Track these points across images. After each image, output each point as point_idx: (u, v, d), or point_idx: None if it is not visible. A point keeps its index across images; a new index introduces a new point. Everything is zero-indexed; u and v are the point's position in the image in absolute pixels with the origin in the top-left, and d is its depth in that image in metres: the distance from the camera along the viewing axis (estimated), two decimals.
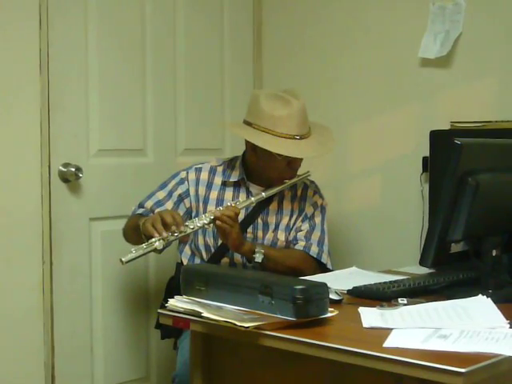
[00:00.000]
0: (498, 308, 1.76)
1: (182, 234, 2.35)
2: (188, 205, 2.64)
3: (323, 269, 2.61)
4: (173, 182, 2.67)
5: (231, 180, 2.65)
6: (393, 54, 3.09)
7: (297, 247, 2.62)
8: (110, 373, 2.98)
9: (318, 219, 2.67)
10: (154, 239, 2.30)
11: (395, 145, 3.10)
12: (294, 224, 2.66)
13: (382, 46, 3.13)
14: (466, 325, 1.65)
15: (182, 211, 2.61)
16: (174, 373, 2.47)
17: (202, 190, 2.65)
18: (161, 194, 2.64)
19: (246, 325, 1.68)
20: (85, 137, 2.88)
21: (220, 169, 2.68)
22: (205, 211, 2.59)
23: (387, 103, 3.12)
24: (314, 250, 2.61)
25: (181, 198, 2.64)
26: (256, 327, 1.68)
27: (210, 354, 1.93)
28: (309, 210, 2.68)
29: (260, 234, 2.62)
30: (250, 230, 2.61)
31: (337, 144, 2.75)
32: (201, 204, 2.63)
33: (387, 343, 1.55)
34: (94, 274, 2.92)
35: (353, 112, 3.23)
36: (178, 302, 1.90)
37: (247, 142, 2.61)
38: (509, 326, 1.64)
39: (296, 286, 1.71)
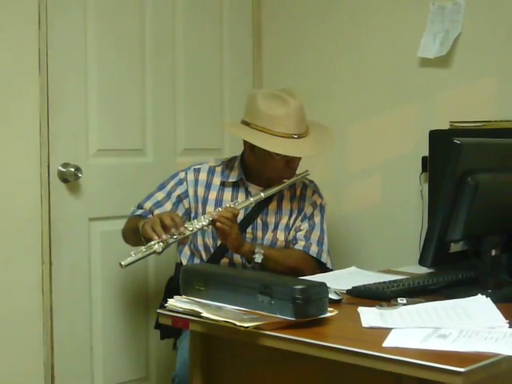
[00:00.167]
0: (498, 308, 1.76)
1: (181, 237, 2.35)
2: (187, 205, 2.64)
3: (323, 268, 2.61)
4: (171, 183, 2.67)
5: (230, 180, 2.65)
6: (392, 54, 3.09)
7: (296, 247, 2.62)
8: (109, 373, 2.98)
9: (317, 219, 2.67)
10: (153, 242, 2.30)
11: (394, 144, 3.10)
12: (294, 224, 2.66)
13: (382, 45, 3.13)
14: (465, 324, 1.65)
15: (180, 212, 2.61)
16: (174, 373, 2.46)
17: (200, 191, 2.65)
18: (160, 195, 2.64)
19: (246, 325, 1.68)
20: (84, 137, 2.88)
21: (219, 169, 2.68)
22: (204, 212, 2.59)
23: (386, 103, 3.12)
24: (313, 250, 2.61)
25: (180, 199, 2.64)
26: (255, 327, 1.68)
27: (210, 354, 1.93)
28: (308, 209, 2.68)
29: (259, 234, 2.62)
30: (249, 230, 2.61)
31: (336, 144, 2.75)
32: (200, 205, 2.63)
33: (386, 343, 1.55)
34: (93, 274, 2.92)
35: (352, 112, 3.23)
36: (177, 302, 1.89)
37: (245, 142, 2.61)
38: (508, 325, 1.64)
39: (295, 285, 1.71)
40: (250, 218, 2.61)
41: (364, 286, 2.09)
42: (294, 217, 2.67)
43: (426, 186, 2.88)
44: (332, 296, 1.90)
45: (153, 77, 3.10)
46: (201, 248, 2.62)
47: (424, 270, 2.24)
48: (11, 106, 2.67)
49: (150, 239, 2.32)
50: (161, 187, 2.67)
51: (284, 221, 2.65)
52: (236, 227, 2.44)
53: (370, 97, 3.17)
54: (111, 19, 2.95)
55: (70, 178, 2.81)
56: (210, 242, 2.60)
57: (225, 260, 2.60)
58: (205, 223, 2.40)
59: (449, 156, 1.93)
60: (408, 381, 1.48)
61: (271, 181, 2.59)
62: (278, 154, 2.51)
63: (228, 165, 2.69)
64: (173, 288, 2.53)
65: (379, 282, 2.11)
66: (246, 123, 2.58)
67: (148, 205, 2.63)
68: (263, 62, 3.53)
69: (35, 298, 2.74)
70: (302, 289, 1.70)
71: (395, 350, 1.50)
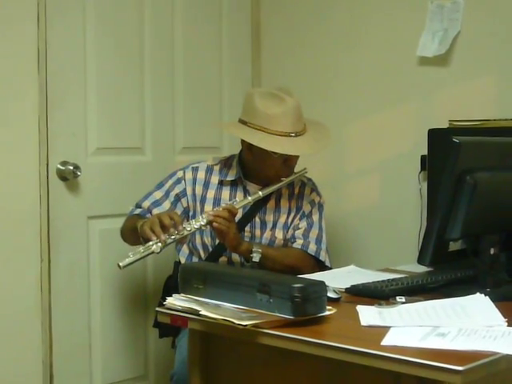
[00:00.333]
0: (496, 306, 1.76)
1: (180, 236, 2.35)
2: (185, 204, 2.64)
3: (322, 266, 2.61)
4: (170, 182, 2.67)
5: (228, 179, 2.64)
6: (391, 53, 3.09)
7: (295, 245, 2.62)
8: (108, 371, 2.98)
9: (315, 217, 2.67)
10: (151, 242, 2.30)
11: (393, 143, 3.10)
12: (292, 222, 2.66)
13: (380, 44, 3.12)
14: (463, 323, 1.65)
15: (179, 211, 2.61)
16: (172, 371, 2.46)
17: (199, 190, 2.65)
18: (158, 194, 2.64)
19: (244, 323, 1.68)
20: (83, 135, 2.88)
21: (217, 168, 2.68)
22: (202, 210, 2.59)
23: (385, 102, 3.12)
24: (311, 248, 2.61)
25: (178, 198, 2.64)
26: (254, 325, 1.68)
27: (208, 352, 1.93)
28: (306, 207, 2.68)
29: (258, 232, 2.62)
30: (247, 228, 2.61)
31: (335, 142, 2.75)
32: (198, 203, 2.63)
33: (385, 341, 1.55)
34: (92, 273, 2.92)
35: (351, 110, 3.23)
36: (176, 301, 1.89)
37: (243, 141, 2.61)
38: (507, 324, 1.64)
39: (294, 284, 1.71)
40: (248, 217, 2.61)
41: (363, 284, 2.09)
42: (292, 215, 2.66)
43: (424, 185, 2.88)
44: (331, 294, 1.90)
45: (152, 75, 3.10)
46: (199, 247, 2.62)
47: (423, 269, 2.24)
48: (10, 105, 2.67)
49: (148, 239, 2.32)
50: (159, 186, 2.67)
51: (282, 219, 2.65)
52: (234, 226, 2.44)
53: (369, 95, 3.17)
54: (110, 18, 2.95)
55: (69, 177, 2.81)
56: (208, 240, 2.60)
57: (223, 259, 2.60)
58: (202, 223, 2.41)
59: (448, 155, 1.93)
60: (407, 379, 1.48)
61: (269, 179, 2.59)
62: (275, 153, 2.51)
63: (226, 163, 2.69)
64: (171, 286, 2.53)
65: (378, 281, 2.11)
66: (243, 122, 2.57)
67: (146, 204, 2.63)
68: (262, 61, 3.52)
69: (34, 297, 2.74)
70: (300, 287, 1.70)
71: (394, 349, 1.50)
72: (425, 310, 1.78)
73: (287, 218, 2.66)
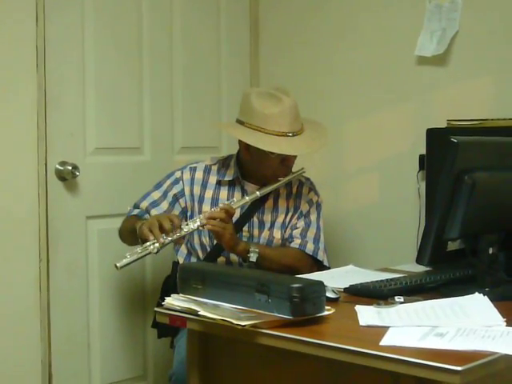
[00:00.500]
0: (495, 306, 1.76)
1: (177, 237, 2.35)
2: (183, 204, 2.64)
3: (320, 266, 2.61)
4: (168, 182, 2.66)
5: (226, 179, 2.64)
6: (389, 52, 3.09)
7: (292, 245, 2.62)
8: (106, 371, 2.98)
9: (313, 216, 2.67)
10: (148, 243, 2.30)
11: (392, 143, 3.10)
12: (290, 222, 2.66)
13: (379, 43, 3.12)
14: (462, 323, 1.65)
15: (177, 211, 2.61)
16: (171, 371, 2.47)
17: (197, 190, 2.64)
18: (156, 195, 2.64)
19: (243, 323, 1.68)
20: (81, 135, 2.88)
21: (215, 168, 2.68)
22: (200, 211, 2.59)
23: (384, 101, 3.12)
24: (309, 248, 2.61)
25: (176, 198, 2.64)
26: (253, 325, 1.68)
27: (207, 352, 1.93)
28: (304, 207, 2.68)
29: (256, 232, 2.62)
30: (245, 228, 2.61)
31: (333, 142, 2.75)
32: (196, 204, 2.63)
33: (384, 341, 1.55)
34: (90, 272, 2.92)
35: (349, 110, 3.23)
36: (174, 301, 1.89)
37: (240, 141, 2.61)
38: (505, 324, 1.64)
39: (293, 284, 1.71)
40: (246, 217, 2.61)
41: (361, 284, 2.09)
42: (290, 215, 2.66)
43: (423, 185, 2.88)
44: (329, 294, 1.90)
45: (150, 75, 3.09)
46: (197, 247, 2.62)
47: (421, 269, 2.24)
48: (8, 104, 2.66)
49: (146, 240, 2.32)
50: (157, 186, 2.67)
51: (280, 219, 2.65)
52: (230, 227, 2.44)
53: (367, 95, 3.17)
54: (109, 16, 2.95)
55: (68, 177, 2.81)
56: (206, 240, 2.60)
57: (221, 259, 2.60)
58: (200, 224, 2.41)
59: (446, 154, 1.93)
60: (405, 379, 1.48)
61: (267, 179, 2.59)
62: (272, 153, 2.50)
63: (224, 163, 2.69)
64: (170, 287, 2.53)
65: (377, 281, 2.11)
66: (240, 122, 2.57)
67: (144, 204, 2.63)
68: (260, 60, 3.52)
69: (33, 296, 2.73)
70: (299, 287, 1.70)
71: (392, 349, 1.50)
72: (423, 309, 1.78)
73: (285, 217, 2.66)
